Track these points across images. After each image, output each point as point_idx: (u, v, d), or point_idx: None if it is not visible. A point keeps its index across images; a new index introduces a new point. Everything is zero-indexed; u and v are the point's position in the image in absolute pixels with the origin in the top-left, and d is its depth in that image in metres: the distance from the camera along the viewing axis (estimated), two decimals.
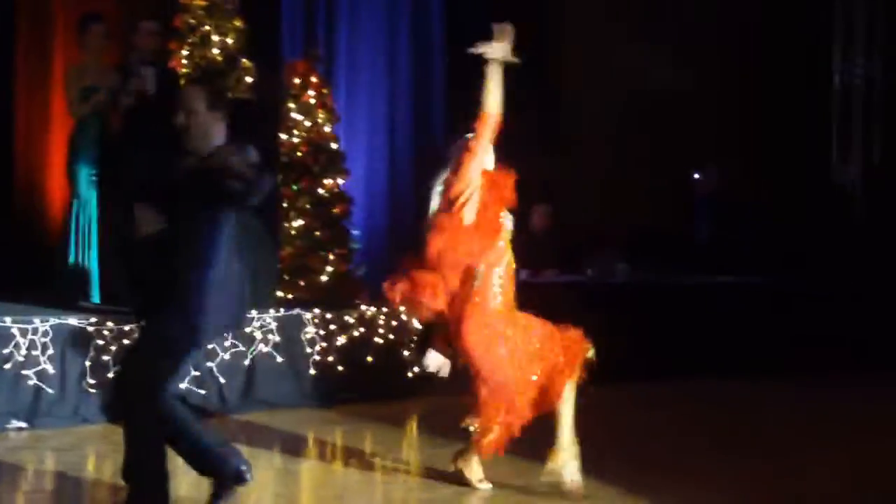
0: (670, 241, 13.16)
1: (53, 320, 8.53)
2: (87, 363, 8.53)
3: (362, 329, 9.77)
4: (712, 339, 11.36)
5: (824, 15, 13.73)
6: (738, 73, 13.74)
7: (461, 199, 6.41)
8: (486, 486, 6.73)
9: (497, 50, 6.30)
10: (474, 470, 6.75)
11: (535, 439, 6.64)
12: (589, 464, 7.04)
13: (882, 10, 13.96)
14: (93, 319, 8.66)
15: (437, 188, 6.58)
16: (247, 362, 9.17)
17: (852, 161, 13.90)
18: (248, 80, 9.99)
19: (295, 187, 10.38)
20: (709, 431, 8.78)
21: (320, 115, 10.60)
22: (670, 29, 13.29)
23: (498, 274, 6.56)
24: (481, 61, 6.32)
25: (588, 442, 7.89)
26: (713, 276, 12.27)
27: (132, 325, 8.64)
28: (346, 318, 9.71)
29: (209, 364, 8.97)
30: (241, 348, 9.12)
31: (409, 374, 9.92)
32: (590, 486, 6.75)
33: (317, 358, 9.50)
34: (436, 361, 6.70)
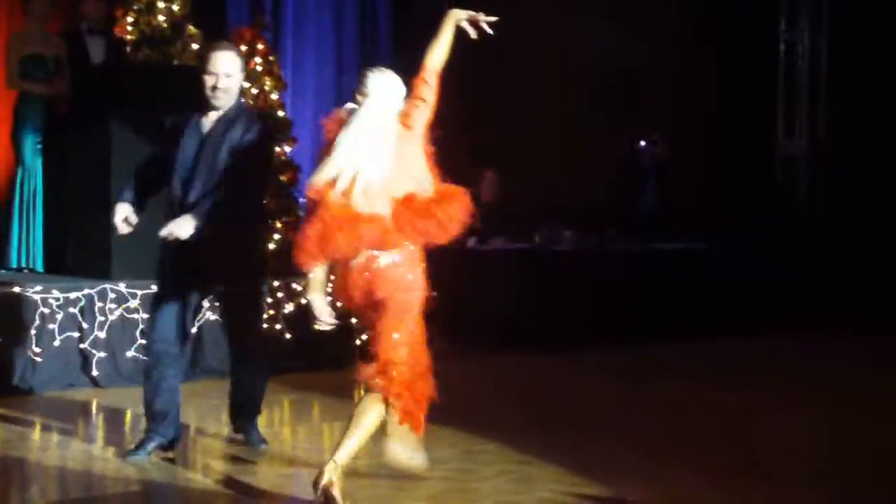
0: (616, 209, 13.25)
1: None
2: (33, 332, 8.49)
3: None
4: (657, 304, 11.50)
5: None
6: (684, 45, 13.79)
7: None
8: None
9: (462, 14, 5.94)
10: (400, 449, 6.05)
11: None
12: (534, 429, 7.13)
13: None
14: (38, 287, 8.60)
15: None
16: (194, 330, 9.13)
17: (798, 135, 14.00)
18: (195, 47, 9.95)
19: None
20: (651, 395, 8.84)
21: (267, 83, 10.55)
22: (618, 1, 13.31)
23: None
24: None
25: (533, 408, 8.00)
26: (658, 244, 12.38)
27: (77, 294, 8.62)
28: (294, 285, 9.71)
29: None
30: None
31: (357, 342, 9.94)
32: (533, 450, 6.79)
33: (264, 326, 9.48)
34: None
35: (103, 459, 6.67)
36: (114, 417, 7.81)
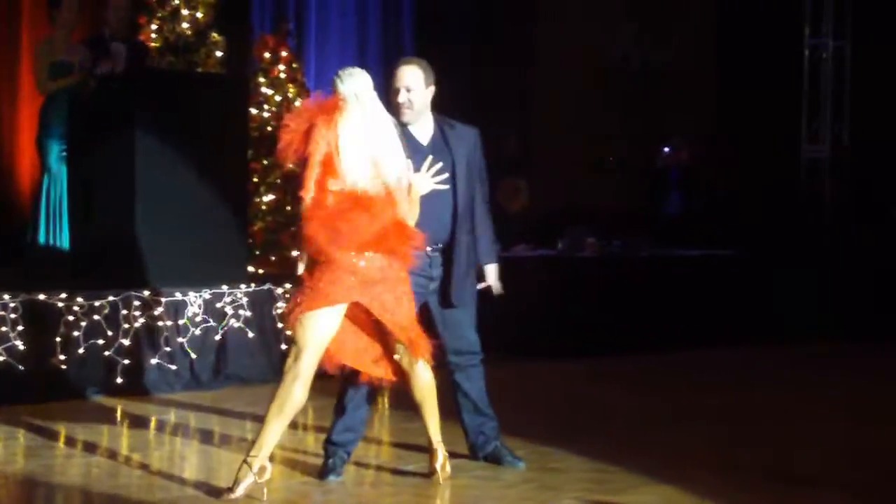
0: (640, 215, 13.23)
1: (23, 296, 8.48)
2: (58, 339, 8.50)
3: None
4: (680, 311, 11.46)
5: None
6: (709, 50, 13.78)
7: None
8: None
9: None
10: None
11: None
12: (556, 436, 7.13)
13: None
14: (63, 295, 8.61)
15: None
16: (217, 338, 9.16)
17: (821, 140, 13.95)
18: (219, 54, 9.98)
19: (265, 162, 10.36)
20: (677, 402, 8.82)
21: (291, 90, 10.59)
22: (643, 5, 13.30)
23: None
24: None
25: (556, 415, 7.98)
26: (682, 250, 12.35)
27: (102, 301, 8.62)
28: None
29: (180, 340, 8.96)
30: (212, 324, 9.12)
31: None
32: (556, 457, 6.78)
33: (288, 333, 9.47)
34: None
35: (127, 469, 6.67)
36: (138, 425, 7.82)
